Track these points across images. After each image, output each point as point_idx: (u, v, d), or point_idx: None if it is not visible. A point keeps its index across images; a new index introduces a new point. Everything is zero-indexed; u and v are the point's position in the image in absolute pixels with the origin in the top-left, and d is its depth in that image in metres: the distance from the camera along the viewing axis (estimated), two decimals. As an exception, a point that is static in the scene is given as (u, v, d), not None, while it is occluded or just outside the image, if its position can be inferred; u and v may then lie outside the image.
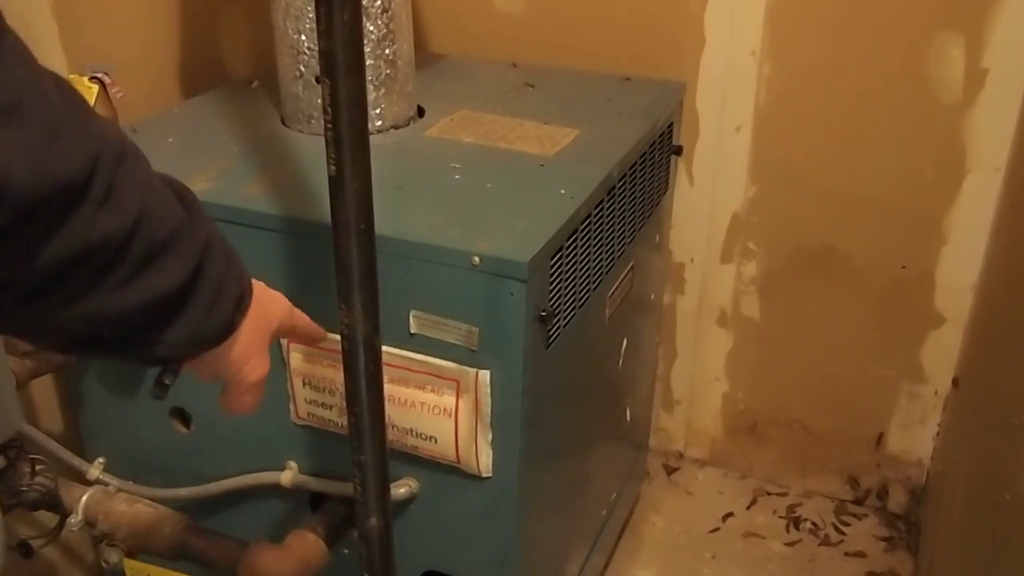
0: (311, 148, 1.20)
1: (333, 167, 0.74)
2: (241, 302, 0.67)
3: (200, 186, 1.09)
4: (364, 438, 0.84)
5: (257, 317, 0.70)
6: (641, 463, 1.85)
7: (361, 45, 0.72)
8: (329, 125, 0.72)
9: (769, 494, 1.94)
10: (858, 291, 1.74)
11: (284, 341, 1.08)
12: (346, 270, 0.78)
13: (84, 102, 0.56)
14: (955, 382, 1.70)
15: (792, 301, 1.80)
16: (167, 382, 0.72)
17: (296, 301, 1.06)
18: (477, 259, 0.94)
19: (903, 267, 1.70)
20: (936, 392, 1.78)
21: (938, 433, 1.80)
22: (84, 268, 0.54)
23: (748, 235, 1.78)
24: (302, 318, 0.82)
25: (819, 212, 1.70)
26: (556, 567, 1.35)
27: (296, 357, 1.08)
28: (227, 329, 0.66)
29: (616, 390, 1.50)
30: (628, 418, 1.59)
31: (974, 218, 1.61)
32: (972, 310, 1.67)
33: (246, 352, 0.70)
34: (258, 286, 0.71)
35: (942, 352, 1.74)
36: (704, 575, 1.74)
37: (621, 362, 1.43)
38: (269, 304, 0.74)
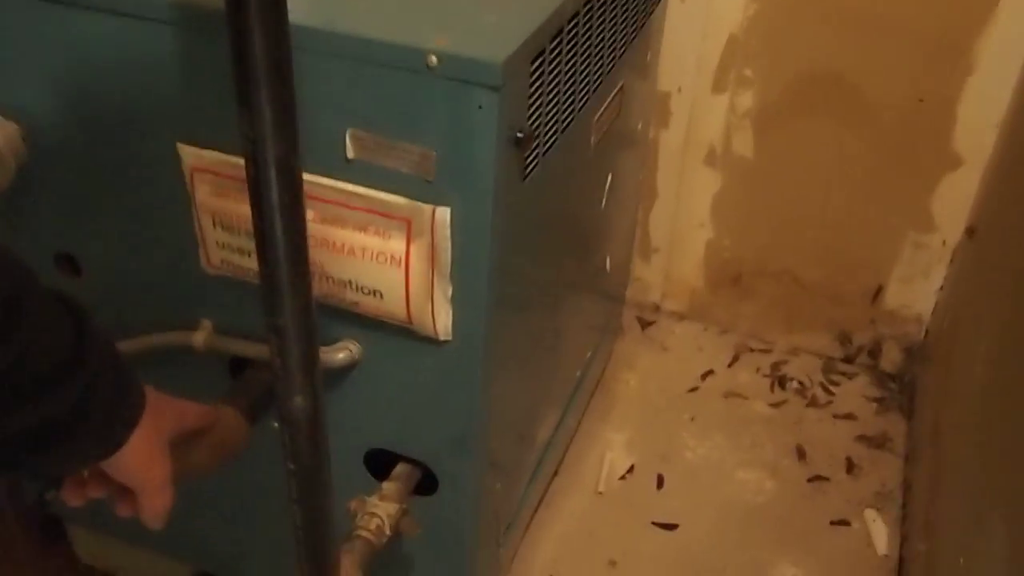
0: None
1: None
2: (130, 421, 0.66)
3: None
4: (281, 295, 0.63)
5: (151, 427, 0.68)
6: (617, 317, 1.67)
7: None
8: None
9: (752, 351, 1.79)
10: (867, 127, 1.53)
11: (187, 170, 0.85)
12: (245, 61, 0.55)
13: None
14: (970, 231, 1.52)
15: (791, 137, 1.59)
16: (48, 498, 0.72)
17: (195, 115, 0.82)
18: (434, 59, 0.71)
19: (921, 100, 1.49)
20: (944, 242, 1.60)
21: (942, 287, 1.64)
22: None
23: (745, 60, 1.55)
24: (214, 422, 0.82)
25: (829, 33, 1.47)
26: (523, 436, 1.18)
27: (204, 189, 0.85)
28: (114, 445, 0.65)
29: (598, 234, 1.29)
30: (608, 267, 1.40)
31: (1008, 43, 1.40)
32: (994, 151, 1.48)
33: (137, 459, 0.68)
34: (157, 399, 0.70)
35: (955, 198, 1.55)
36: (682, 438, 1.59)
37: (604, 202, 1.21)
38: (167, 413, 0.73)
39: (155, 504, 0.72)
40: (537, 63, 0.78)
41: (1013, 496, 0.93)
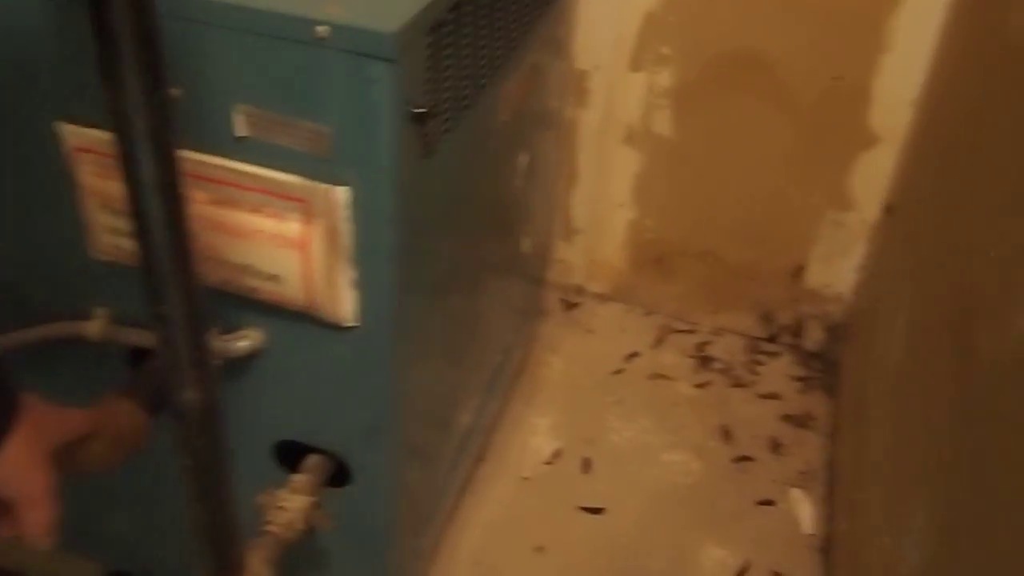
0: None
1: None
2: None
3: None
4: (163, 281, 0.59)
5: (28, 436, 0.65)
6: (539, 299, 1.65)
7: None
8: None
9: (677, 331, 1.78)
10: (785, 105, 1.53)
11: (69, 150, 0.80)
12: (107, 31, 0.51)
13: None
14: (889, 209, 1.53)
15: (710, 116, 1.58)
16: None
17: (75, 92, 0.77)
18: (324, 29, 0.67)
19: (837, 78, 1.49)
20: (863, 220, 1.61)
21: (862, 265, 1.65)
22: None
23: (663, 38, 1.54)
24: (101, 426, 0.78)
25: (746, 11, 1.46)
26: (442, 422, 1.15)
27: (87, 171, 0.80)
28: None
29: (513, 214, 1.27)
30: (525, 248, 1.37)
31: (921, 21, 1.40)
32: (910, 128, 1.49)
33: (12, 471, 0.64)
34: (36, 408, 0.67)
35: (872, 176, 1.56)
36: (607, 421, 1.58)
37: (519, 181, 1.19)
38: (48, 422, 0.69)
39: (38, 518, 0.67)
40: (435, 35, 0.75)
41: (931, 474, 0.93)
